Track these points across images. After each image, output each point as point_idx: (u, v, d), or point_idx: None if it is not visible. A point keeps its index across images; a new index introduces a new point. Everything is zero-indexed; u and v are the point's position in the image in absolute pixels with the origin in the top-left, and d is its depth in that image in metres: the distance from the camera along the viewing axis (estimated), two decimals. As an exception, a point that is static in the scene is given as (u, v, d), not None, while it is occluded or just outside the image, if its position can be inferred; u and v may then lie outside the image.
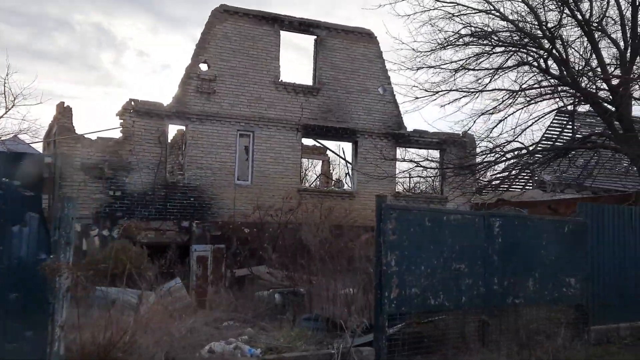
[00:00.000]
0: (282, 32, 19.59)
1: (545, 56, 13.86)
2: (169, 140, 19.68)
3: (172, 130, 19.90)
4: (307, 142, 22.11)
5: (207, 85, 18.21)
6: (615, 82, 13.20)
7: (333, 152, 23.28)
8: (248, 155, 18.77)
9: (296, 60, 52.24)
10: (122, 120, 17.20)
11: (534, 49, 14.05)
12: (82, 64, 76.99)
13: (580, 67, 13.56)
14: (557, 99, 14.27)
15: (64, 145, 16.60)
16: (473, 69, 13.94)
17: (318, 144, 23.20)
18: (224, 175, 18.13)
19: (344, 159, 22.53)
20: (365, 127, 20.34)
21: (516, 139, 14.23)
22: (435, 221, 8.90)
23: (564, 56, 13.84)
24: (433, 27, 14.08)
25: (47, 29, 66.40)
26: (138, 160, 17.20)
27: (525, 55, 14.22)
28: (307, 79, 20.10)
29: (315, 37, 20.04)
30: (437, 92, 14.51)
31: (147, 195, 17.13)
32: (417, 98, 14.63)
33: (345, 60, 20.26)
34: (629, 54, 13.70)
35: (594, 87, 13.58)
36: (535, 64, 13.93)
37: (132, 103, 17.34)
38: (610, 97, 13.35)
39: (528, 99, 13.95)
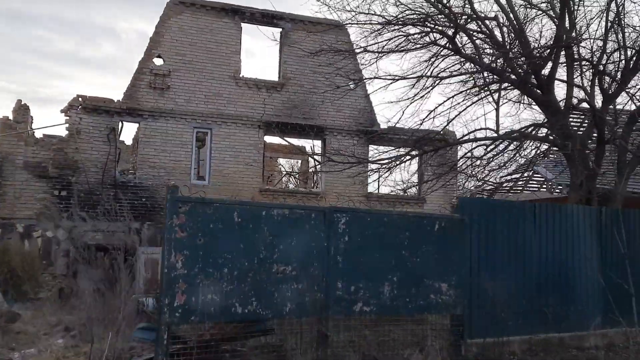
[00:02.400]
0: (244, 25, 18.70)
1: (455, 32, 11.90)
2: (132, 138, 18.85)
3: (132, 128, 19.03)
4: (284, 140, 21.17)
5: (161, 80, 17.33)
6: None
7: (301, 150, 22.18)
8: (206, 153, 17.86)
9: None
10: (67, 117, 16.38)
11: (443, 27, 12.28)
12: (128, 71, 77.61)
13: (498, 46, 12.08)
14: (469, 80, 12.80)
15: (5, 143, 15.81)
16: (375, 51, 12.63)
17: (286, 142, 22.18)
18: (178, 174, 17.19)
19: (313, 158, 21.49)
20: (334, 124, 19.33)
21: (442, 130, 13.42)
22: (248, 217, 7.51)
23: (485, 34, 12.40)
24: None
25: (93, 36, 66.77)
26: (85, 158, 16.36)
27: (437, 35, 12.33)
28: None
29: (280, 29, 19.10)
30: (361, 80, 13.41)
31: (95, 195, 16.26)
32: (338, 87, 13.81)
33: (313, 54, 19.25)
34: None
35: (517, 69, 12.17)
36: (446, 43, 12.11)
37: (80, 99, 16.52)
38: (535, 80, 11.98)
39: (440, 80, 12.64)
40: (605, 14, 11.61)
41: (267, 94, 18.57)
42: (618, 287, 9.64)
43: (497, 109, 12.58)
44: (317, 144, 20.66)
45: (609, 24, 11.64)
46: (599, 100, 12.21)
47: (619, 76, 12.03)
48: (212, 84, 17.94)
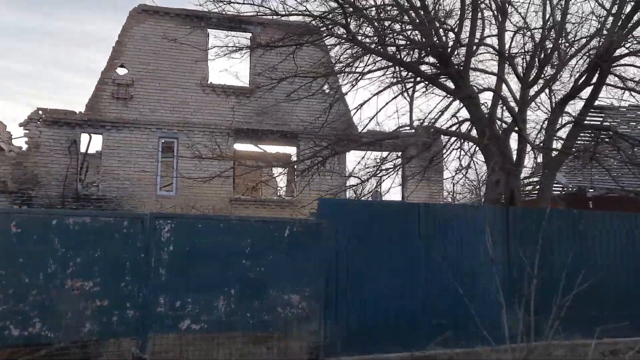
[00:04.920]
0: (211, 31, 18.27)
1: (346, 18, 11.06)
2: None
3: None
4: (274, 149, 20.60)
5: (124, 90, 16.96)
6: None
7: (274, 158, 21.63)
8: (172, 163, 17.41)
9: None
10: (27, 131, 16.06)
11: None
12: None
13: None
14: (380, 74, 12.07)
15: (-38, 159, 15.56)
16: (268, 46, 12.01)
17: (260, 149, 21.66)
18: (144, 186, 16.76)
19: (283, 165, 20.90)
20: (308, 130, 18.74)
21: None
22: (31, 227, 6.76)
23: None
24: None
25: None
26: (46, 172, 16.02)
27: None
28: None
29: (249, 34, 18.63)
30: (283, 79, 12.82)
31: (57, 209, 15.87)
32: (258, 87, 13.02)
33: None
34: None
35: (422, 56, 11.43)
36: (343, 33, 11.26)
37: (40, 112, 16.21)
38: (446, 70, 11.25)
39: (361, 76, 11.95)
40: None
41: (237, 100, 18.09)
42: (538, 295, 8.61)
43: (410, 103, 11.88)
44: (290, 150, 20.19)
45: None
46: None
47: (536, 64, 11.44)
48: (178, 92, 17.52)
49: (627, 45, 11.25)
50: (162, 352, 7.16)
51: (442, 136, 13.14)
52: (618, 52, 11.27)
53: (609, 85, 11.78)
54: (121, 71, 17.15)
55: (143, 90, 17.16)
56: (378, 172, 12.93)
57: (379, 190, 21.80)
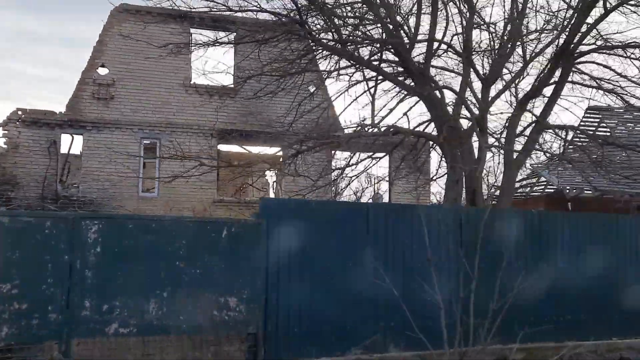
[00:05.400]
0: (194, 30, 18.09)
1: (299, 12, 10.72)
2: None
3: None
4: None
5: (105, 90, 16.76)
6: None
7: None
8: (155, 164, 17.20)
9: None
10: (6, 132, 15.83)
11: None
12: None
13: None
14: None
15: (-62, 160, 15.31)
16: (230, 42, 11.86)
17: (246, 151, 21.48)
18: (125, 187, 16.52)
19: (271, 169, 20.69)
20: (293, 130, 18.55)
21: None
22: None
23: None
24: None
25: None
26: (25, 173, 15.78)
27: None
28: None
29: (234, 33, 18.43)
30: (250, 78, 12.64)
31: (36, 210, 15.63)
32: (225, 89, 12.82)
33: (269, 57, 18.58)
34: None
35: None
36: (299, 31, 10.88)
37: (19, 112, 15.98)
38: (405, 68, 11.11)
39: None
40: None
41: (220, 100, 17.88)
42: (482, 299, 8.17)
43: (372, 102, 11.70)
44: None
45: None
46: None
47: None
48: (160, 92, 17.33)
49: (589, 41, 11.09)
50: (88, 357, 6.90)
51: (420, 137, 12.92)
52: (584, 48, 11.13)
53: (576, 84, 11.59)
54: (102, 71, 16.95)
55: (124, 90, 16.96)
56: (344, 172, 12.73)
57: (379, 192, 21.65)
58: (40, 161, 15.96)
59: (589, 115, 18.31)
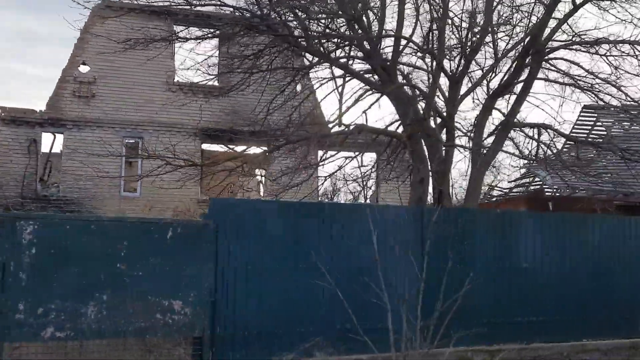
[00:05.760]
0: (177, 28, 17.79)
1: None
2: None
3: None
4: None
5: (86, 88, 16.51)
6: None
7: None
8: (137, 163, 16.96)
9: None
10: (-16, 130, 15.60)
11: None
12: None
13: None
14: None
15: None
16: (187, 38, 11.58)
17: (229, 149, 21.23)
18: (106, 186, 16.27)
19: (261, 167, 20.47)
20: (280, 129, 18.30)
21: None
22: None
23: None
24: None
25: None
26: (4, 172, 15.53)
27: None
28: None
29: (218, 31, 18.17)
30: (220, 75, 12.74)
31: (15, 210, 15.38)
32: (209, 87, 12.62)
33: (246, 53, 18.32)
34: None
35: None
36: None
37: (-1, 110, 15.76)
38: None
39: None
40: None
41: (204, 99, 17.64)
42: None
43: (340, 100, 11.45)
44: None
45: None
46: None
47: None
48: (143, 90, 17.07)
49: (559, 37, 10.88)
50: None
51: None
52: (555, 45, 10.91)
53: (549, 81, 11.36)
54: (83, 69, 16.69)
55: (106, 88, 16.71)
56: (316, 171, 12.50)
57: (356, 192, 21.42)
58: (20, 160, 15.73)
59: (584, 114, 18.10)
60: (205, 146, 18.39)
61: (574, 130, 17.72)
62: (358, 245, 8.12)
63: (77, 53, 16.67)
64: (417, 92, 11.34)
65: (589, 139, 11.56)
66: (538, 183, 19.01)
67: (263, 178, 19.28)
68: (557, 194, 14.88)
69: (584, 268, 9.92)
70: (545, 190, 14.85)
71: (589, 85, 10.90)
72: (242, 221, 7.98)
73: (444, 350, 7.27)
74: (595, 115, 18.05)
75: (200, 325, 7.42)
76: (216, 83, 17.85)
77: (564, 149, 14.18)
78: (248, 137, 13.60)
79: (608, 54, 10.73)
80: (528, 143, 11.41)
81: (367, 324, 6.78)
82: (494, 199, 18.48)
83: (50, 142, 17.06)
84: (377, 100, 12.01)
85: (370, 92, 11.30)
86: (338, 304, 6.92)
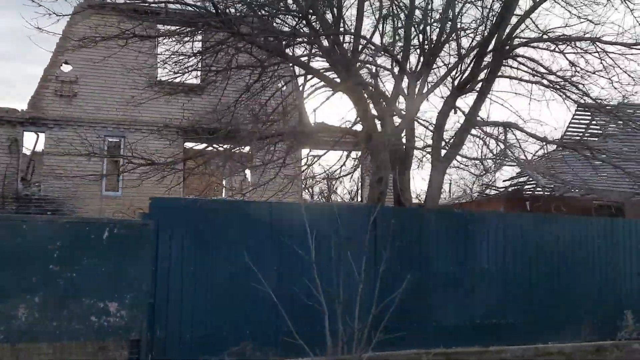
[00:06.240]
0: (160, 27, 17.79)
1: None
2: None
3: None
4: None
5: (68, 87, 16.54)
6: None
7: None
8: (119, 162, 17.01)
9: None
10: (-35, 129, 15.64)
11: None
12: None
13: None
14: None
15: None
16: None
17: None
18: (88, 186, 16.33)
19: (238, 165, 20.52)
20: (259, 127, 18.37)
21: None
22: None
23: None
24: None
25: None
26: (-16, 172, 15.60)
27: None
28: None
29: (200, 30, 18.17)
30: (184, 73, 12.32)
31: (-4, 210, 15.49)
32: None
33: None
34: None
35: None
36: None
37: (-21, 110, 15.78)
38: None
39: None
40: None
41: (187, 98, 17.66)
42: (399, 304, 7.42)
43: (300, 97, 11.48)
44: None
45: None
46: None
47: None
48: (125, 89, 17.03)
49: (520, 34, 10.90)
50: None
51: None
52: (518, 42, 10.94)
53: (512, 79, 11.37)
54: (65, 68, 16.71)
55: (88, 87, 16.76)
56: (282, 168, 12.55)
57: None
58: (2, 160, 15.79)
59: (578, 114, 18.12)
60: (190, 144, 18.42)
61: (568, 130, 17.76)
62: (300, 247, 7.70)
63: (60, 52, 16.66)
64: (371, 89, 11.25)
65: (557, 140, 11.49)
66: (532, 183, 19.16)
67: (246, 177, 19.36)
68: (536, 194, 15.04)
69: (544, 269, 9.90)
70: (524, 190, 14.99)
71: (553, 82, 10.92)
72: (184, 221, 7.87)
73: (429, 351, 7.37)
74: (590, 114, 18.07)
75: (137, 328, 7.35)
76: (198, 81, 17.94)
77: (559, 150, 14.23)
78: (223, 135, 13.56)
79: (567, 51, 10.77)
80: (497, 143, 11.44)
81: (308, 327, 6.79)
82: (475, 199, 18.62)
83: (34, 141, 17.13)
84: (333, 96, 12.05)
85: (326, 90, 11.23)
86: (277, 307, 6.93)
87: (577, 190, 15.23)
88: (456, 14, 10.73)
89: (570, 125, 18.07)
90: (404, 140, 11.13)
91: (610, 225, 10.64)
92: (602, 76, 10.71)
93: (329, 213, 8.30)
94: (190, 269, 7.81)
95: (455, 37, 10.93)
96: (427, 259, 9.08)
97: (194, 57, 11.28)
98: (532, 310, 9.67)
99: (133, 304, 7.38)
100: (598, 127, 18.00)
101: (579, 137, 18.15)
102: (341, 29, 10.83)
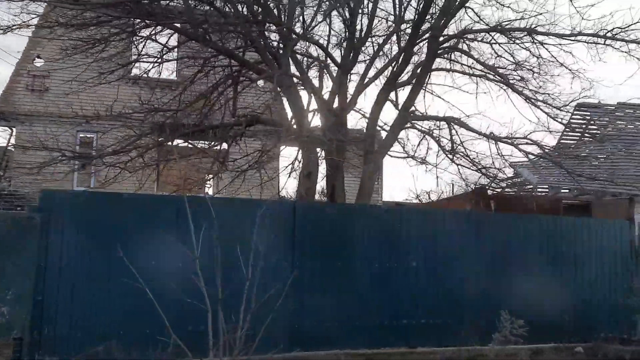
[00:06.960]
0: (137, 21, 17.56)
1: None
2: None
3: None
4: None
5: (40, 82, 16.33)
6: None
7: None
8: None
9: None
10: None
11: None
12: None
13: None
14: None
15: None
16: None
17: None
18: (59, 182, 16.09)
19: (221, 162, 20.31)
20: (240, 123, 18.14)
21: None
22: None
23: None
24: None
25: None
26: (-47, 167, 15.39)
27: None
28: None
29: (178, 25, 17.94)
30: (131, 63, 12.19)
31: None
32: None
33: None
34: None
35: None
36: None
37: (-52, 104, 15.58)
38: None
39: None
40: None
41: (162, 94, 17.43)
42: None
43: (234, 91, 11.29)
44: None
45: None
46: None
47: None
48: (97, 85, 16.83)
49: (453, 26, 10.77)
50: None
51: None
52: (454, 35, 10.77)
53: (455, 72, 11.21)
54: (37, 62, 16.50)
55: (60, 82, 16.50)
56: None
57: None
58: (-29, 155, 15.57)
59: (576, 113, 17.87)
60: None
61: (567, 130, 17.49)
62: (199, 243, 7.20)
63: (32, 46, 16.47)
64: (297, 81, 11.04)
65: (505, 138, 11.21)
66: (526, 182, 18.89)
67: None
68: (500, 192, 14.83)
69: (484, 269, 9.67)
70: (489, 188, 14.74)
71: (493, 75, 10.78)
72: (75, 215, 7.59)
73: (347, 352, 7.16)
74: (588, 113, 17.87)
75: (19, 325, 7.05)
76: (174, 77, 17.75)
77: (560, 146, 14.04)
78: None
79: (501, 41, 10.66)
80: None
81: (190, 326, 6.69)
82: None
83: (8, 135, 16.95)
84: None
85: (249, 82, 11.12)
86: (164, 307, 6.61)
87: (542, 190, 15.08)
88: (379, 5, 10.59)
89: (571, 121, 17.69)
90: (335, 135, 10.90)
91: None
92: (534, 70, 10.54)
93: (240, 207, 7.95)
94: (77, 265, 7.53)
95: (396, 32, 10.74)
96: (351, 257, 8.83)
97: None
98: (470, 312, 9.47)
99: (15, 300, 7.10)
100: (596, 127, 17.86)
101: (577, 138, 18.00)
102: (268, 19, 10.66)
